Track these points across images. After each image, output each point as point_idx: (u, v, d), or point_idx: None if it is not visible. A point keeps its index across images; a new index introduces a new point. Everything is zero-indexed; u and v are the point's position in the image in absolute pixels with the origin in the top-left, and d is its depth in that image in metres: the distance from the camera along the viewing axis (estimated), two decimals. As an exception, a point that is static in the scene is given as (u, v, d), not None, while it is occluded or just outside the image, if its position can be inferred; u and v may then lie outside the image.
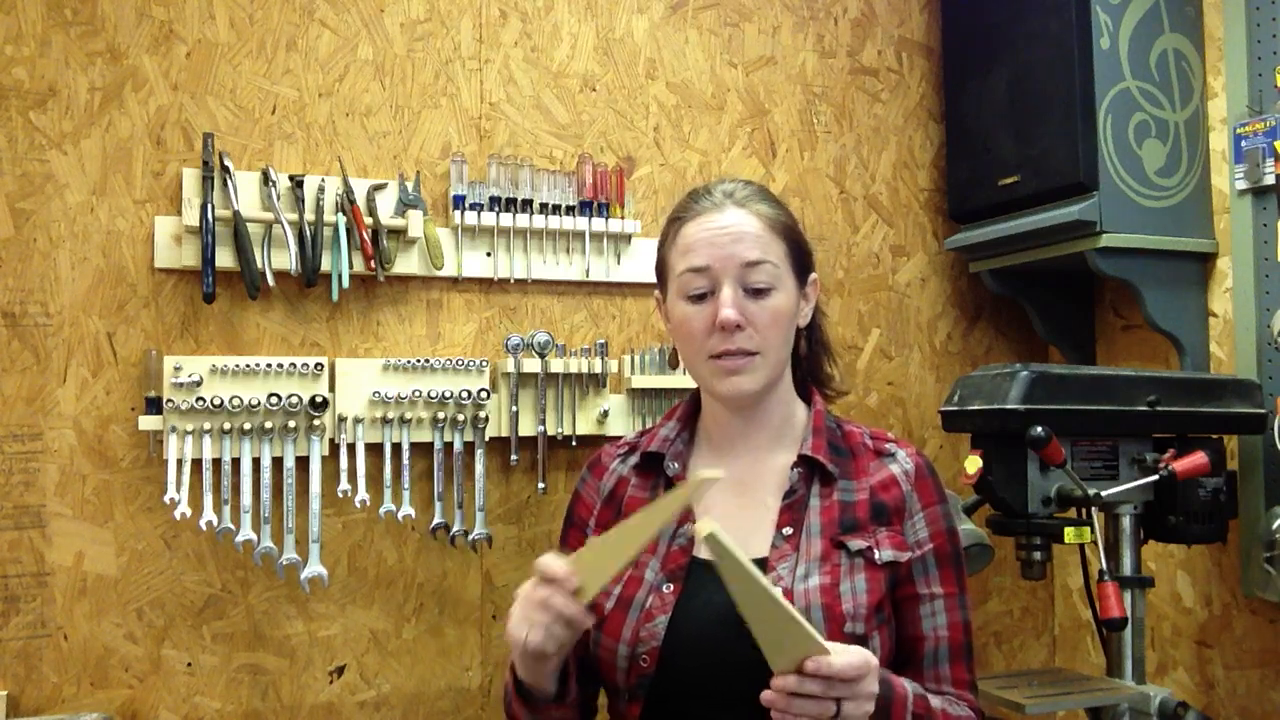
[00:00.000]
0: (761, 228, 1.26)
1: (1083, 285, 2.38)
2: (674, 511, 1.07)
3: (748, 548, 1.17)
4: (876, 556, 1.23)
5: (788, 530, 1.25)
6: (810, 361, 1.40)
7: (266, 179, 1.89)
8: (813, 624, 1.06)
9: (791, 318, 1.29)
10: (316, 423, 1.89)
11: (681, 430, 1.37)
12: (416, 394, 1.96)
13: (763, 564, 1.22)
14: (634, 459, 1.36)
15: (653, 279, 1.42)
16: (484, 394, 1.99)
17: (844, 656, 1.03)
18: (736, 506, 1.28)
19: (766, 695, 1.04)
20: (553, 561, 1.07)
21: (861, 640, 1.17)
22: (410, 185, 2.00)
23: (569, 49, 2.17)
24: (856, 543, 1.23)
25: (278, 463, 1.87)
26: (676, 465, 1.33)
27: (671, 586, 1.22)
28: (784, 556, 1.23)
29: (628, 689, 1.22)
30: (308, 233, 1.87)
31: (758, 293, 1.25)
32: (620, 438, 1.46)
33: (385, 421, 1.94)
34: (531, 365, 2.02)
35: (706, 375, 1.28)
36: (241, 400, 1.83)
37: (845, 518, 1.25)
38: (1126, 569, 1.80)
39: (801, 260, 1.31)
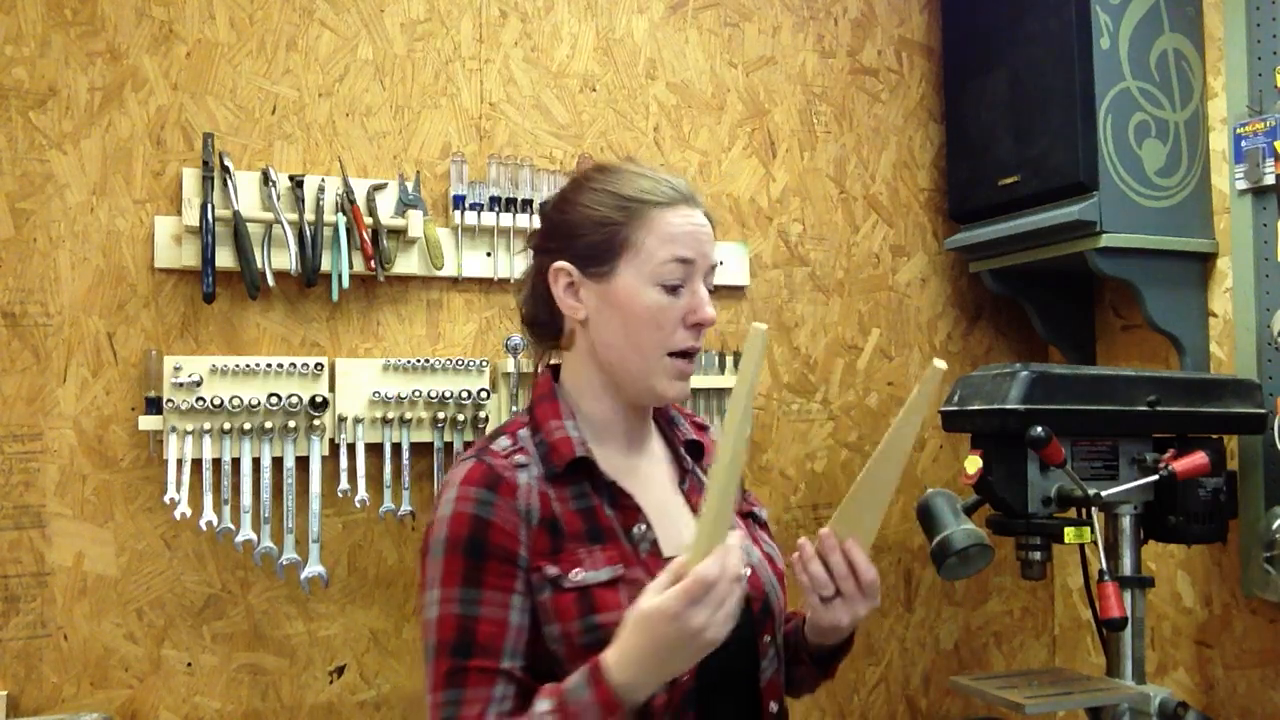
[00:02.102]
0: (712, 231, 1.25)
1: (1083, 285, 2.38)
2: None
3: (687, 537, 1.10)
4: (761, 514, 1.32)
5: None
6: None
7: (266, 179, 1.89)
8: (772, 598, 1.21)
9: None
10: (316, 423, 1.89)
11: (577, 427, 1.22)
12: (416, 394, 1.96)
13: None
14: (536, 469, 1.16)
15: None
16: (484, 394, 1.99)
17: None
18: (662, 500, 1.23)
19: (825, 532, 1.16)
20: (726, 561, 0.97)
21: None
22: (410, 185, 2.00)
23: (569, 49, 2.17)
24: (748, 507, 1.32)
25: (278, 463, 1.87)
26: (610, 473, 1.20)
27: None
28: (754, 537, 1.28)
29: (670, 710, 1.10)
30: (308, 233, 1.87)
31: (709, 295, 1.22)
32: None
33: (385, 421, 1.94)
34: (531, 365, 2.02)
35: (655, 370, 1.19)
36: (241, 400, 1.83)
37: None
38: (1126, 569, 1.80)
39: None
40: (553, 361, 1.29)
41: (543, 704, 1.01)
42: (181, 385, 1.82)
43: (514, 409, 2.01)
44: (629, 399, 1.23)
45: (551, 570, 1.11)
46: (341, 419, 1.91)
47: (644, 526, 1.16)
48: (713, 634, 0.95)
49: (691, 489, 1.26)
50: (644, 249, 1.18)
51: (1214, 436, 1.85)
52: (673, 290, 1.18)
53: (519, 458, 1.16)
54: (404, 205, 1.97)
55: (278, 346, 1.95)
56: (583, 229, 1.20)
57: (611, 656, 0.99)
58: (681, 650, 0.96)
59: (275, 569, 1.87)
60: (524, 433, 1.20)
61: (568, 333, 1.24)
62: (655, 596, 0.96)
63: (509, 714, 1.05)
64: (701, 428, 1.37)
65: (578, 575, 1.11)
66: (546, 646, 1.09)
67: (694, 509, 1.22)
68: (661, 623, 0.95)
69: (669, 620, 0.94)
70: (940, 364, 1.08)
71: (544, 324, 1.26)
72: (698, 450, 1.31)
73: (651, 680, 0.99)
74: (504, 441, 1.18)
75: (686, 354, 1.20)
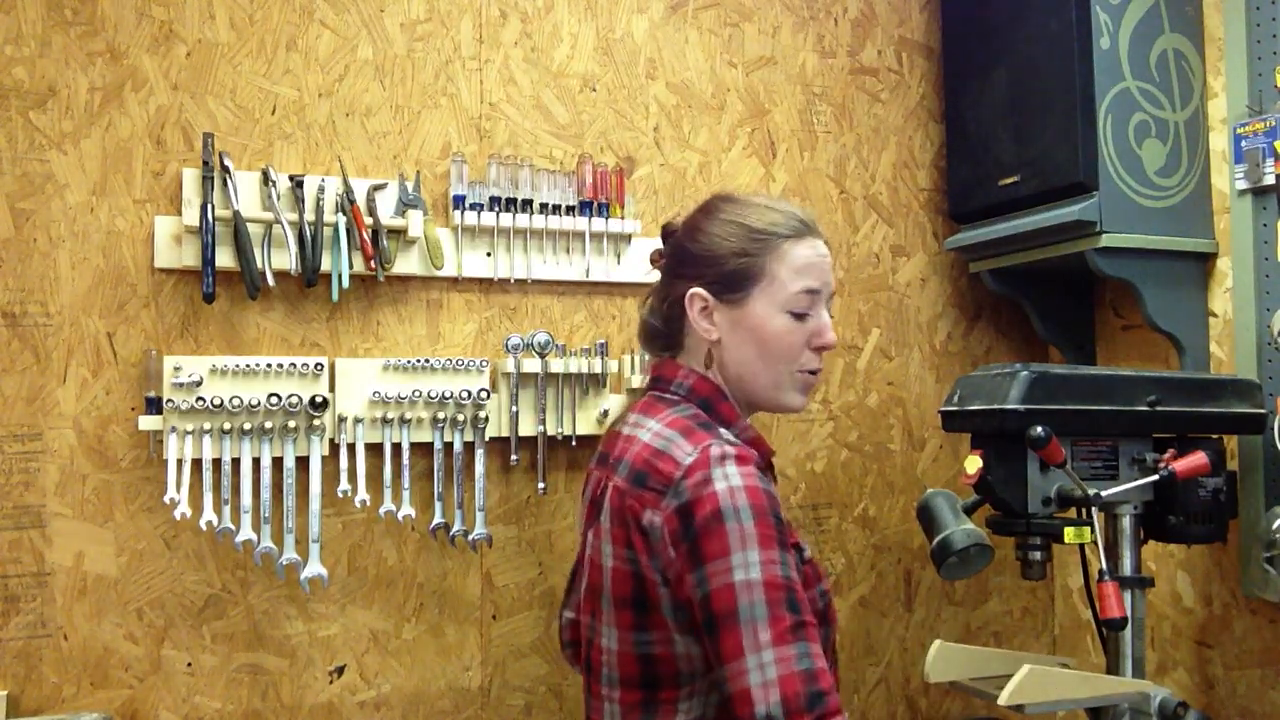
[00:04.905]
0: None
1: (1083, 285, 2.38)
2: None
3: None
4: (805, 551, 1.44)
5: None
6: None
7: (266, 179, 1.89)
8: None
9: None
10: (316, 423, 1.89)
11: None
12: (416, 394, 1.96)
13: None
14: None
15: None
16: (484, 394, 1.99)
17: None
18: None
19: None
20: None
21: None
22: (410, 185, 2.00)
23: (569, 49, 2.17)
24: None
25: (278, 463, 1.87)
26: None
27: None
28: None
29: (833, 665, 1.34)
30: (308, 233, 1.87)
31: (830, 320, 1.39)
32: (716, 440, 1.29)
33: (385, 421, 1.94)
34: (531, 365, 2.02)
35: (786, 385, 1.36)
36: (241, 400, 1.83)
37: None
38: (1126, 569, 1.80)
39: None
40: (670, 361, 1.41)
41: None
42: (181, 385, 1.82)
43: (514, 409, 2.01)
44: (754, 408, 1.40)
45: (800, 543, 1.29)
46: (341, 419, 1.91)
47: None
48: None
49: None
50: (777, 280, 1.33)
51: (1214, 436, 1.85)
52: (800, 317, 1.34)
53: (744, 449, 1.28)
54: (404, 205, 1.97)
55: (278, 346, 1.95)
56: (717, 259, 1.34)
57: None
58: None
59: (275, 569, 1.87)
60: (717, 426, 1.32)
61: (704, 350, 1.37)
62: None
63: None
64: None
65: (807, 551, 1.30)
66: None
67: None
68: None
69: None
70: None
71: (661, 336, 1.41)
72: None
73: None
74: (726, 434, 1.31)
75: (810, 372, 1.36)
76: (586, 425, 2.06)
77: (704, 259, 1.35)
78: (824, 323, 1.35)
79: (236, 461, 1.85)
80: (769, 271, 1.33)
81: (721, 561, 1.15)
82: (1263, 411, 1.86)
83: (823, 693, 1.11)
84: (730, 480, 1.19)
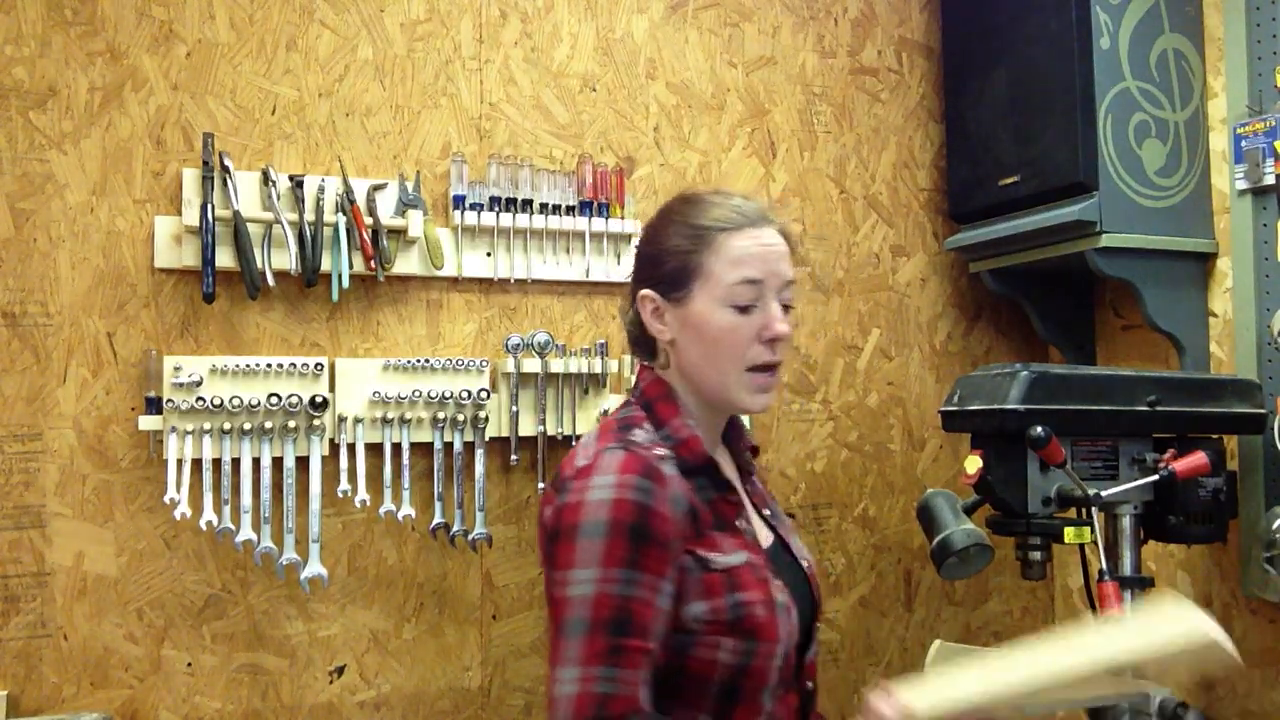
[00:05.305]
0: (788, 247, 1.33)
1: (1083, 285, 2.38)
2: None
3: (761, 534, 1.33)
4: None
5: (766, 511, 1.37)
6: None
7: (266, 179, 1.89)
8: (818, 592, 1.34)
9: None
10: (316, 423, 1.89)
11: (697, 426, 1.33)
12: (416, 394, 1.96)
13: (785, 544, 1.36)
14: (671, 466, 1.24)
15: None
16: (484, 394, 1.99)
17: None
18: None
19: None
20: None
21: None
22: (410, 185, 2.00)
23: (569, 49, 2.17)
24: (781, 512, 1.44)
25: (278, 463, 1.87)
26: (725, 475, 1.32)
27: (779, 582, 1.27)
28: (792, 532, 1.37)
29: (781, 685, 1.26)
30: (308, 233, 1.87)
31: (785, 309, 1.31)
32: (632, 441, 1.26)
33: (385, 421, 1.94)
34: (531, 365, 2.02)
35: (735, 385, 1.29)
36: (241, 400, 1.83)
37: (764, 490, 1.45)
38: (1126, 569, 1.80)
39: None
40: (642, 366, 1.39)
41: None
42: (181, 385, 1.82)
43: (514, 409, 2.01)
44: (717, 408, 1.34)
45: (701, 553, 1.22)
46: (341, 419, 1.91)
47: (744, 521, 1.30)
48: None
49: (753, 489, 1.40)
50: (714, 274, 1.28)
51: (1214, 436, 1.85)
52: (744, 310, 1.28)
53: (659, 450, 1.24)
54: (404, 205, 1.97)
55: (278, 346, 1.95)
56: (662, 258, 1.31)
57: None
58: None
59: (275, 569, 1.87)
60: (648, 426, 1.28)
61: (661, 350, 1.34)
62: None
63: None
64: (753, 449, 1.47)
65: (720, 559, 1.23)
66: (684, 626, 1.18)
67: (756, 506, 1.37)
68: None
69: None
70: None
71: (641, 342, 1.37)
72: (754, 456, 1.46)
73: None
74: (641, 435, 1.26)
75: (765, 368, 1.29)
76: (586, 425, 2.06)
77: (652, 260, 1.34)
78: (772, 314, 1.29)
79: (236, 461, 1.85)
80: (705, 267, 1.29)
81: (564, 573, 1.17)
82: (1263, 411, 1.86)
83: (609, 719, 1.12)
84: (602, 492, 1.18)
